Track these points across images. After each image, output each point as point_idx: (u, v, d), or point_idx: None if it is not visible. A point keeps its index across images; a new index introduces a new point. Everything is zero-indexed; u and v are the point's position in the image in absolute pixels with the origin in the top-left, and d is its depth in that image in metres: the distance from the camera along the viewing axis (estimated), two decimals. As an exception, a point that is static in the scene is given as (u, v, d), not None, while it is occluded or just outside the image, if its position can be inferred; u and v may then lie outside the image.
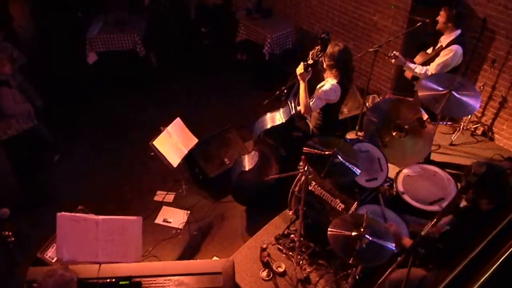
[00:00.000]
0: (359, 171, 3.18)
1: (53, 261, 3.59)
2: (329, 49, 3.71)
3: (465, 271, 1.75)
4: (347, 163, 3.17)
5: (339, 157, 3.17)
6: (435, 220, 2.57)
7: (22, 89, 4.82)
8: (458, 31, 4.17)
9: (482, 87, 5.12)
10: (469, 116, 5.39)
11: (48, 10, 7.07)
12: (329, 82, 3.84)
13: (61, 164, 5.29)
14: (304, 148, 3.24)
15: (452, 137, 5.40)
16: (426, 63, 4.36)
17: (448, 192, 3.76)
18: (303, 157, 3.67)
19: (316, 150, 3.21)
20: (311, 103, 3.83)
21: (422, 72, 4.30)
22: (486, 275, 1.61)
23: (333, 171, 3.14)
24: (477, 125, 5.48)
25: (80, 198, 4.47)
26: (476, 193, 2.72)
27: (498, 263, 1.63)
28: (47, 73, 6.42)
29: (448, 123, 5.63)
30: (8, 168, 4.79)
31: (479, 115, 5.42)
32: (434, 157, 5.00)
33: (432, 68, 4.25)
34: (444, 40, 4.27)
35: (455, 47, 4.13)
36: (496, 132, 5.36)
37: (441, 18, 4.19)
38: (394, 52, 4.41)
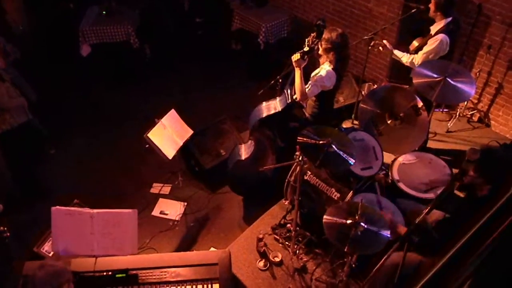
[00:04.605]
0: (353, 161, 3.17)
1: (50, 255, 3.58)
2: (327, 34, 3.74)
3: (458, 255, 1.75)
4: (341, 153, 3.17)
5: (334, 146, 3.17)
6: (429, 207, 2.57)
7: (16, 83, 4.78)
8: (448, 19, 4.12)
9: (478, 74, 5.09)
10: (465, 103, 5.38)
11: (40, 2, 6.99)
12: (324, 69, 3.84)
13: (56, 158, 5.28)
14: (299, 138, 3.24)
15: (448, 124, 5.39)
16: (419, 49, 4.33)
17: (443, 180, 3.76)
18: (298, 146, 3.66)
19: (310, 140, 3.21)
20: (307, 89, 3.83)
21: (409, 61, 4.29)
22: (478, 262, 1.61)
23: (328, 160, 3.14)
24: (473, 112, 5.46)
25: (76, 191, 4.45)
26: (479, 176, 2.70)
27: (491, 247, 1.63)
28: (41, 67, 6.37)
29: (444, 110, 5.62)
30: (3, 162, 4.77)
31: (475, 101, 5.41)
32: (431, 144, 4.98)
33: (418, 58, 4.23)
34: (433, 28, 4.24)
35: (440, 36, 4.09)
36: (492, 118, 5.35)
37: (431, 6, 4.16)
38: (377, 41, 4.40)
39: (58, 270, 2.59)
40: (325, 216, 2.91)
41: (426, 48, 4.19)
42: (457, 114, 5.45)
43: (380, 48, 4.39)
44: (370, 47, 4.49)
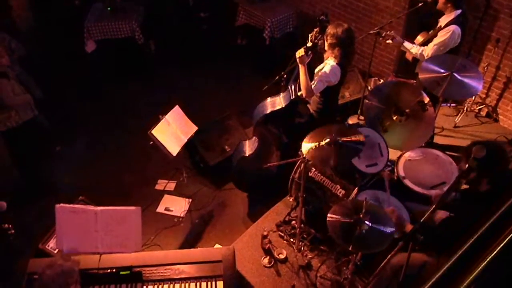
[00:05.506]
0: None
1: (55, 252, 3.60)
2: (333, 29, 3.69)
3: (465, 257, 1.73)
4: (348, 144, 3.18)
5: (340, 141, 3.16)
6: (434, 206, 2.54)
7: (21, 80, 4.79)
8: (458, 11, 4.05)
9: (486, 68, 5.02)
10: (473, 98, 5.31)
11: (46, -1, 7.01)
12: (328, 64, 3.80)
13: (62, 155, 5.29)
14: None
15: (456, 119, 5.33)
16: (426, 43, 4.27)
17: (450, 176, 3.71)
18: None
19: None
20: (312, 86, 3.79)
21: (419, 52, 4.22)
22: (485, 263, 1.58)
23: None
24: (481, 107, 5.39)
25: (81, 188, 4.47)
26: (478, 173, 2.67)
27: (498, 248, 1.60)
28: (46, 64, 6.38)
29: (452, 105, 5.56)
30: (9, 159, 4.80)
31: (483, 96, 5.34)
32: (437, 139, 4.94)
33: (428, 49, 4.16)
34: (443, 20, 4.17)
35: (452, 27, 4.02)
36: (500, 113, 5.28)
37: None
38: (388, 32, 4.34)
39: (66, 269, 2.61)
40: (329, 215, 2.89)
41: (437, 40, 4.12)
42: (465, 109, 5.38)
43: (390, 41, 4.33)
44: (381, 38, 4.43)
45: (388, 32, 4.34)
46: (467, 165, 2.54)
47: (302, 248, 3.95)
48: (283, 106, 4.04)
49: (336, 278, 3.69)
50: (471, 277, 1.55)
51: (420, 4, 4.53)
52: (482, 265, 1.56)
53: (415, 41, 4.43)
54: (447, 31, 4.04)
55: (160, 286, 3.04)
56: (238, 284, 3.32)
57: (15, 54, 5.06)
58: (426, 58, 4.16)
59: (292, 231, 4.06)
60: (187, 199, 4.70)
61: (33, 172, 4.89)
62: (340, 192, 3.68)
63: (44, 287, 2.54)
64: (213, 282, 3.07)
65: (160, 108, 4.42)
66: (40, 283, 2.55)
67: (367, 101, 4.04)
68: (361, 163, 3.60)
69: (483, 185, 2.69)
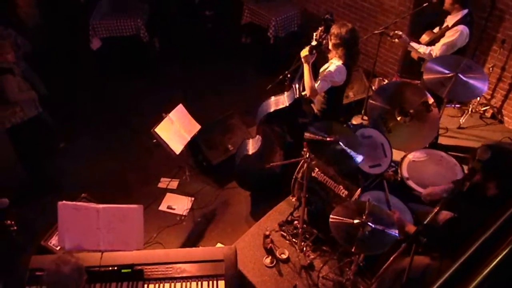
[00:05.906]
0: (361, 159, 3.13)
1: (57, 249, 3.61)
2: (337, 29, 3.66)
3: (470, 261, 1.71)
4: (349, 150, 3.13)
5: (341, 144, 3.13)
6: (438, 207, 2.52)
7: (26, 76, 4.79)
8: (465, 11, 4.03)
9: (491, 69, 4.99)
10: (478, 99, 5.28)
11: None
12: (334, 64, 3.78)
13: (66, 152, 5.29)
14: (306, 134, 3.21)
15: (461, 120, 5.30)
16: (431, 42, 4.24)
17: (454, 177, 3.69)
18: (305, 142, 3.63)
19: (317, 136, 3.17)
20: (316, 85, 3.77)
21: (427, 52, 4.19)
22: (491, 267, 1.57)
23: (335, 158, 3.12)
24: (486, 108, 5.36)
25: (84, 185, 4.47)
26: (483, 176, 2.63)
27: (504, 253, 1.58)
28: (51, 61, 6.38)
29: (457, 105, 5.52)
30: (14, 155, 4.80)
31: (488, 97, 5.31)
32: (442, 140, 4.92)
33: (436, 49, 4.13)
34: (450, 20, 4.14)
35: (461, 27, 4.00)
36: (505, 114, 5.25)
37: None
38: (396, 31, 4.32)
39: (79, 265, 2.64)
40: (331, 216, 2.87)
41: (445, 40, 4.09)
42: (470, 110, 5.35)
43: (396, 40, 4.32)
44: (389, 38, 4.42)
45: (396, 32, 4.32)
46: (470, 167, 2.52)
47: (305, 248, 3.94)
48: (287, 105, 4.03)
49: (338, 279, 3.68)
50: (475, 283, 1.53)
51: (425, 4, 4.51)
52: (486, 271, 1.54)
53: (420, 40, 4.41)
54: (455, 31, 4.02)
55: (162, 285, 3.04)
56: (239, 283, 3.32)
57: (21, 50, 5.05)
58: (434, 57, 4.14)
59: (295, 231, 4.04)
60: (189, 198, 4.69)
61: (37, 169, 4.89)
62: (343, 193, 3.66)
63: (59, 284, 2.56)
64: (215, 282, 3.07)
65: (164, 106, 4.42)
66: (56, 279, 2.56)
67: (371, 101, 4.03)
68: (364, 164, 3.59)
69: (491, 189, 2.63)
